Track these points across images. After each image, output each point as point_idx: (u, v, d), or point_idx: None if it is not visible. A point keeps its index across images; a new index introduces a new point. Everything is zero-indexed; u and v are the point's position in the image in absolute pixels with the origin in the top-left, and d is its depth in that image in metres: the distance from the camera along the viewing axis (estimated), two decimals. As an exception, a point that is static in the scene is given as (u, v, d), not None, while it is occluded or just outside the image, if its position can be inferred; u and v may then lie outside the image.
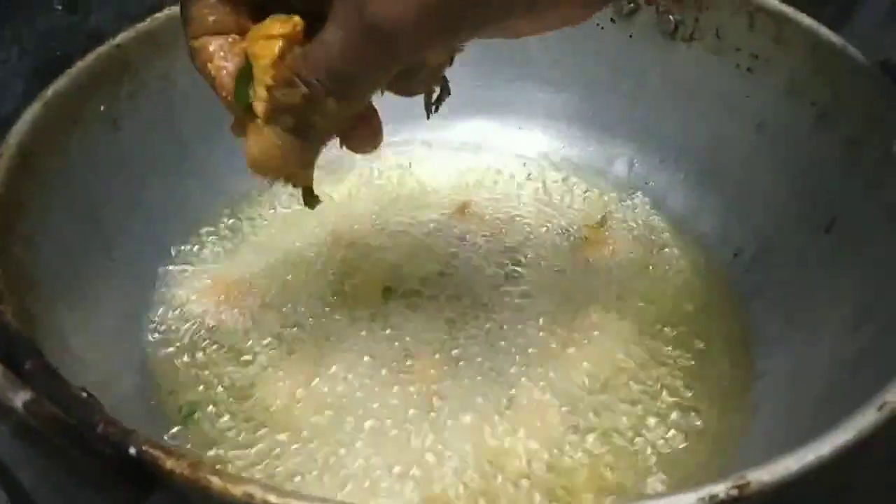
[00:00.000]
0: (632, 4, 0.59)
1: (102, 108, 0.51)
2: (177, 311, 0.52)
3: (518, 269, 0.55)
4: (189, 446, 0.46)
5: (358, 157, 0.62)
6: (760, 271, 0.53)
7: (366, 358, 0.50)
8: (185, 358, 0.50)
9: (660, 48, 0.59)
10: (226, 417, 0.47)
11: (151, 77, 0.54)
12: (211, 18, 0.36)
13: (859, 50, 0.51)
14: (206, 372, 0.49)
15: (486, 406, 0.47)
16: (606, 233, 0.58)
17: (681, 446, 0.46)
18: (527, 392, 0.48)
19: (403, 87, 0.39)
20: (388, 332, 0.51)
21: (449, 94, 0.42)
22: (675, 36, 0.58)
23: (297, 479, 0.44)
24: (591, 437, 0.46)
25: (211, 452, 0.45)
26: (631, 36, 0.60)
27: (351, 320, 0.52)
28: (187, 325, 0.52)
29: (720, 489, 0.30)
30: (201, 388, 0.49)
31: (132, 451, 0.31)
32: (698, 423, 0.47)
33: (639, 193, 0.61)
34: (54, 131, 0.47)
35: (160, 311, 0.52)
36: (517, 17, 0.33)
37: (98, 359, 0.45)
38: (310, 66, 0.33)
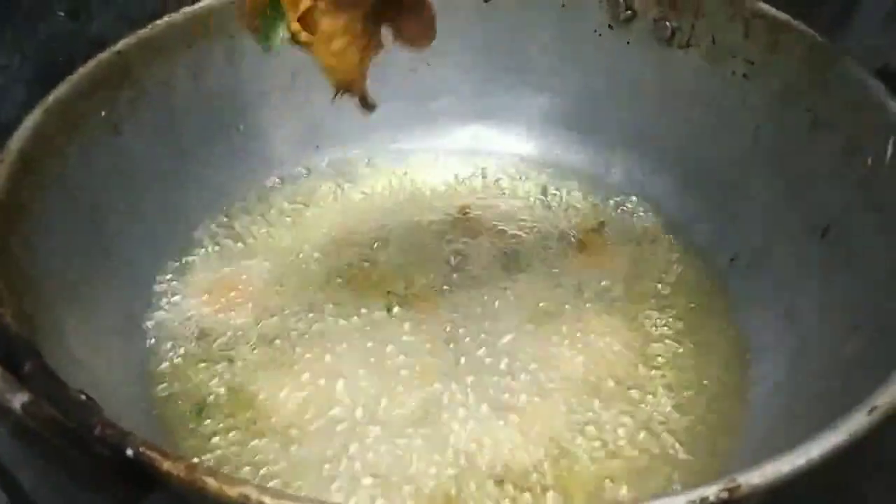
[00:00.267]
0: (629, 12, 0.59)
1: (103, 113, 0.51)
2: (175, 314, 0.53)
3: (516, 272, 0.56)
4: (187, 447, 0.46)
5: (357, 161, 0.63)
6: (756, 276, 0.54)
7: (365, 361, 0.50)
8: (184, 360, 0.50)
9: (656, 55, 0.59)
10: (223, 420, 0.47)
11: (151, 83, 0.54)
12: None
13: (857, 55, 0.51)
14: (204, 375, 0.50)
15: (483, 408, 0.48)
16: (603, 237, 0.58)
17: (676, 449, 0.46)
18: (524, 394, 0.48)
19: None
20: (386, 335, 0.52)
21: None
22: (671, 43, 0.58)
23: (295, 481, 0.44)
24: (587, 440, 0.46)
25: (208, 454, 0.46)
26: (628, 42, 0.60)
27: (350, 324, 0.52)
28: (186, 328, 0.52)
29: (711, 491, 0.31)
30: (199, 390, 0.49)
31: (129, 452, 0.31)
32: (693, 426, 0.47)
33: (635, 198, 0.61)
34: (55, 137, 0.48)
35: (159, 313, 0.53)
36: None
37: (97, 361, 0.45)
38: None
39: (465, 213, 0.60)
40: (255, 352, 0.51)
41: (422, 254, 0.57)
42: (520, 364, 0.50)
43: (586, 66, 0.62)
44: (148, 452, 0.31)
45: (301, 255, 0.57)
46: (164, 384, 0.49)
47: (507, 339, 0.51)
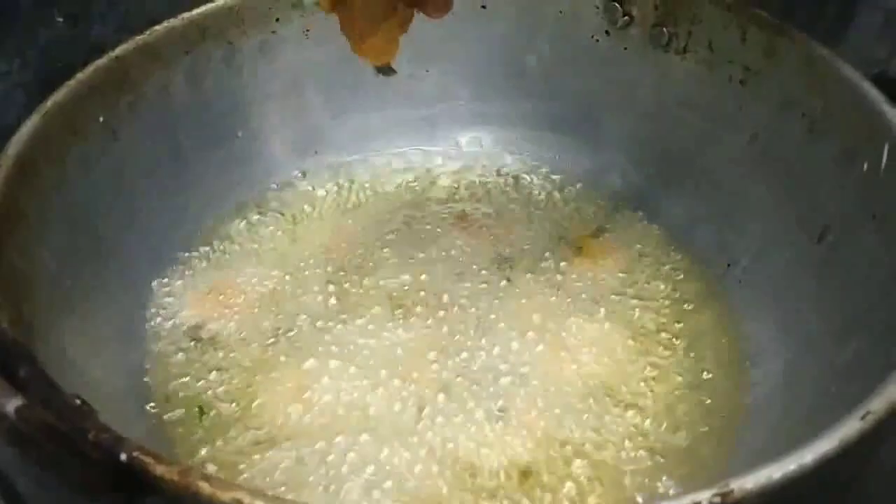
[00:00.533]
0: (626, 18, 0.59)
1: (101, 119, 0.52)
2: (173, 319, 0.53)
3: (513, 278, 0.56)
4: (184, 451, 0.46)
5: (355, 166, 0.63)
6: (753, 282, 0.54)
7: (362, 365, 0.50)
8: (181, 365, 0.51)
9: (654, 60, 0.59)
10: (220, 424, 0.47)
11: (150, 89, 0.55)
12: None
13: (854, 63, 0.51)
14: (202, 379, 0.50)
15: (478, 414, 0.48)
16: (601, 243, 0.58)
17: (673, 455, 0.46)
18: (520, 400, 0.48)
19: None
20: (384, 339, 0.52)
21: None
22: (668, 48, 0.58)
23: (290, 485, 0.44)
24: (581, 445, 0.46)
25: (205, 458, 0.46)
26: (625, 48, 0.60)
27: (347, 329, 0.53)
28: (183, 333, 0.52)
29: (704, 497, 0.31)
30: (197, 394, 0.49)
31: (123, 457, 0.31)
32: (689, 431, 0.47)
33: (633, 204, 0.61)
34: (53, 142, 0.48)
35: (157, 318, 0.53)
36: None
37: (94, 365, 0.45)
38: None
39: (464, 218, 0.60)
40: (252, 357, 0.51)
41: (419, 258, 0.57)
42: (515, 369, 0.50)
43: (584, 71, 0.62)
44: (141, 457, 0.31)
45: (299, 260, 0.57)
46: (162, 389, 0.49)
47: (503, 343, 0.52)
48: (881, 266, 0.45)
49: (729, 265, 0.55)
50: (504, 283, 0.55)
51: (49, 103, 0.48)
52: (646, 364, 0.51)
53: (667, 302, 0.55)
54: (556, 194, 0.62)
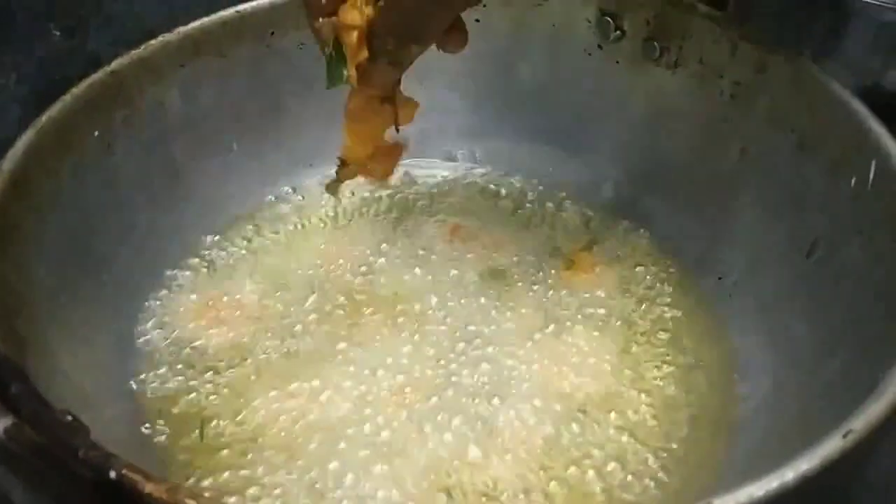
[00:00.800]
0: (618, 32, 0.60)
1: (96, 133, 0.52)
2: (168, 333, 0.53)
3: (506, 289, 0.56)
4: (176, 466, 0.46)
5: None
6: (743, 295, 0.54)
7: (355, 378, 0.51)
8: (176, 379, 0.51)
9: (645, 74, 0.60)
10: (213, 438, 0.48)
11: (145, 102, 0.55)
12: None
13: (847, 75, 0.51)
14: (195, 393, 0.50)
15: (471, 428, 0.48)
16: (592, 256, 0.59)
17: (661, 469, 0.47)
18: (512, 414, 0.49)
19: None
20: (376, 352, 0.52)
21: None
22: (660, 62, 0.59)
23: (284, 500, 0.45)
24: (571, 458, 0.47)
25: (197, 473, 0.46)
26: (617, 62, 0.61)
27: (341, 342, 0.53)
28: (178, 347, 0.53)
29: (685, 514, 0.31)
30: (190, 408, 0.49)
31: (112, 474, 0.32)
32: (679, 446, 0.48)
33: (625, 216, 0.61)
34: (48, 157, 0.48)
35: (151, 332, 0.53)
36: None
37: (87, 380, 0.46)
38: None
39: (456, 231, 0.60)
40: (246, 370, 0.51)
41: (412, 272, 0.57)
42: (507, 381, 0.50)
43: (576, 85, 0.62)
44: (130, 475, 0.32)
45: (293, 274, 0.58)
46: (154, 404, 0.50)
47: (495, 356, 0.52)
48: (868, 281, 0.45)
49: (720, 278, 0.56)
50: (496, 296, 0.56)
51: (44, 118, 0.49)
52: (634, 377, 0.51)
53: (657, 315, 0.55)
54: (548, 207, 0.63)
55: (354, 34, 0.42)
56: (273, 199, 0.63)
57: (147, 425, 0.48)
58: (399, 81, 0.47)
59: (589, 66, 0.61)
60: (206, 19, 0.57)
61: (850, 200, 0.48)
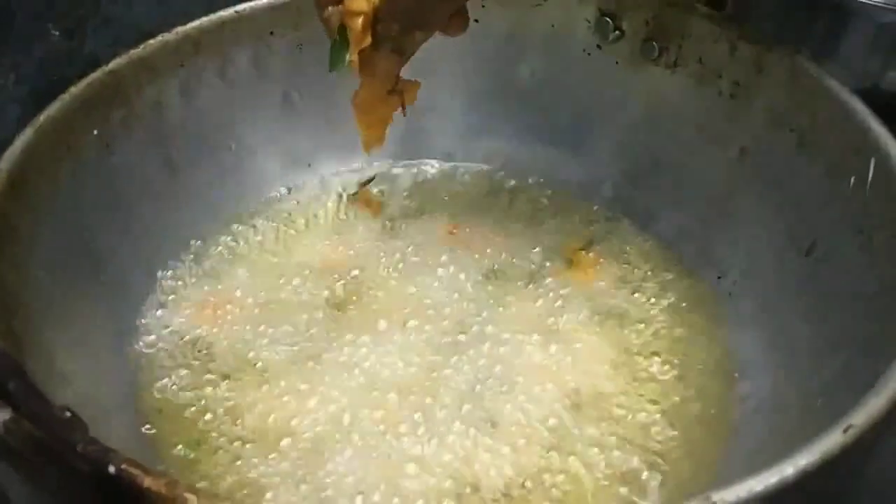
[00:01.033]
0: (617, 32, 0.60)
1: (95, 132, 0.52)
2: (166, 332, 0.53)
3: (504, 290, 0.56)
4: (174, 463, 0.46)
5: (348, 179, 0.64)
6: (742, 295, 0.54)
7: (354, 378, 0.50)
8: (174, 378, 0.51)
9: (645, 74, 0.60)
10: (212, 436, 0.48)
11: (143, 102, 0.55)
12: None
13: (846, 76, 0.51)
14: (193, 392, 0.50)
15: (469, 427, 0.48)
16: (591, 255, 0.59)
17: (661, 468, 0.46)
18: (510, 413, 0.49)
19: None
20: (374, 352, 0.52)
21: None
22: (659, 62, 0.59)
23: (283, 498, 0.44)
24: (571, 458, 0.46)
25: (195, 470, 0.46)
26: (617, 62, 0.61)
27: (338, 342, 0.53)
28: (176, 346, 0.52)
29: (686, 509, 0.31)
30: (188, 407, 0.49)
31: (111, 469, 0.31)
32: (678, 443, 0.47)
33: (624, 216, 0.61)
34: (46, 156, 0.48)
35: (149, 331, 0.53)
36: None
37: (86, 379, 0.46)
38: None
39: (455, 231, 0.60)
40: (245, 370, 0.51)
41: (411, 271, 0.57)
42: (506, 380, 0.50)
43: (575, 84, 0.62)
44: (129, 469, 0.31)
45: (292, 273, 0.57)
46: (153, 402, 0.50)
47: (494, 355, 0.52)
48: (868, 280, 0.45)
49: (719, 277, 0.56)
50: (495, 295, 0.56)
51: (42, 118, 0.49)
52: (634, 376, 0.51)
53: (657, 314, 0.55)
54: (548, 207, 0.63)
55: (359, 20, 0.42)
56: (271, 198, 0.63)
57: (147, 426, 0.48)
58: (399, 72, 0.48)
59: (588, 66, 0.61)
60: (204, 19, 0.57)
61: (849, 200, 0.48)
